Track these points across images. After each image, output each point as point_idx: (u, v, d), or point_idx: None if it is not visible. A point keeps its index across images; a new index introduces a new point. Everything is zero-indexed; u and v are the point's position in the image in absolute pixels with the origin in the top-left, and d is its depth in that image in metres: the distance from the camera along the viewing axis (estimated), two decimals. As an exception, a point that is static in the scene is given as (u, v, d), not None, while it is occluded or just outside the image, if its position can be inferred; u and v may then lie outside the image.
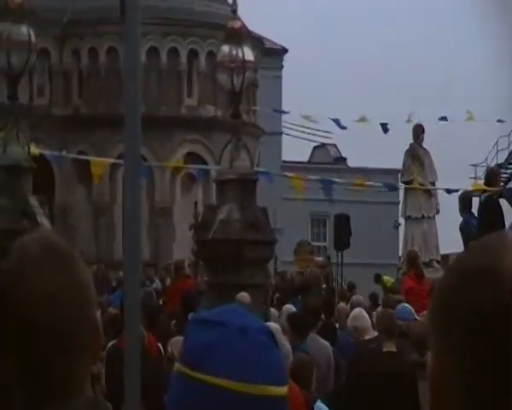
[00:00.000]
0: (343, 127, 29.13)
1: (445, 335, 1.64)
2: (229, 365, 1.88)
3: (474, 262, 1.63)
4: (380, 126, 28.68)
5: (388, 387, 10.57)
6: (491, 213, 19.28)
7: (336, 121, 28.69)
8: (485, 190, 25.70)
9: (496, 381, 1.58)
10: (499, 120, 35.08)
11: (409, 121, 25.04)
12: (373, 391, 10.63)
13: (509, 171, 39.99)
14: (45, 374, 2.28)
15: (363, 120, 29.26)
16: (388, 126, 28.22)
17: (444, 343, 1.64)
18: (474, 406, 1.60)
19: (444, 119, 29.58)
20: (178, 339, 10.49)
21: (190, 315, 12.59)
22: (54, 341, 2.27)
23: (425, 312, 13.68)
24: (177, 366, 1.93)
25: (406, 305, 13.46)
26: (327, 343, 11.99)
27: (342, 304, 15.25)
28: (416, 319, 12.92)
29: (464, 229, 20.68)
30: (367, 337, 11.81)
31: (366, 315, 12.49)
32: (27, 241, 2.43)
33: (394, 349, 11.09)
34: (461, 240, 21.17)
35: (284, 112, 36.36)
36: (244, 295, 11.75)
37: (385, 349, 11.22)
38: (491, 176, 21.68)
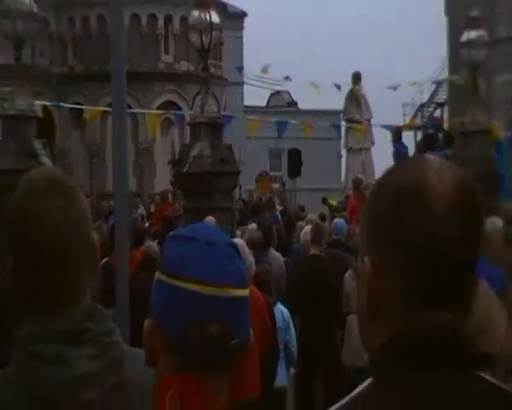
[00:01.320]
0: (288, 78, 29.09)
1: (372, 240, 1.63)
2: (200, 271, 1.87)
3: (403, 179, 1.61)
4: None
5: (324, 274, 10.77)
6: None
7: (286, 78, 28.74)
8: (416, 127, 25.71)
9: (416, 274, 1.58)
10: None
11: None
12: (310, 278, 10.84)
13: (431, 108, 40.15)
14: (50, 285, 2.27)
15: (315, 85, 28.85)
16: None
17: (376, 249, 1.62)
18: (398, 286, 1.59)
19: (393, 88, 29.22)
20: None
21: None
22: (58, 257, 2.27)
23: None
24: (157, 274, 1.94)
25: (339, 220, 13.40)
26: (279, 255, 12.01)
27: (299, 223, 15.29)
28: (352, 233, 12.93)
29: (397, 154, 20.82)
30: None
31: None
32: (35, 174, 2.43)
33: (318, 253, 11.16)
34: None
35: (240, 68, 36.18)
36: (210, 218, 11.82)
37: (311, 252, 11.28)
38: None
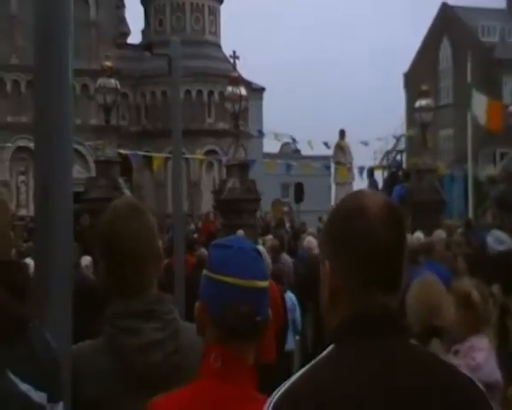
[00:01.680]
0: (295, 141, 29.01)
1: (330, 248, 1.64)
2: (234, 269, 1.88)
3: (349, 204, 1.64)
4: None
5: (313, 271, 10.63)
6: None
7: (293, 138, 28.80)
8: (383, 167, 25.55)
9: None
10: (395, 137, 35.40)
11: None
12: (311, 273, 10.75)
13: (393, 154, 40.05)
14: (130, 278, 2.28)
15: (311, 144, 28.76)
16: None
17: (330, 252, 1.62)
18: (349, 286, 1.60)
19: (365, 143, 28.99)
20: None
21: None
22: (136, 259, 2.27)
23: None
24: (204, 271, 1.94)
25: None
26: (288, 257, 11.98)
27: (303, 235, 15.20)
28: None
29: (370, 187, 20.77)
30: (313, 252, 11.78)
31: (314, 240, 12.42)
32: (118, 202, 2.44)
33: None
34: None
35: (260, 131, 36.34)
36: (240, 231, 12.00)
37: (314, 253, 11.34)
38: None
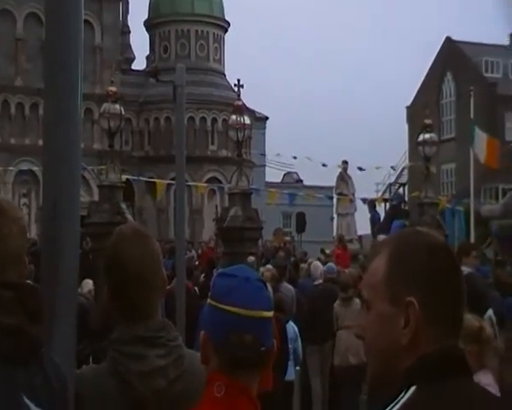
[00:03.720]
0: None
1: (412, 285, 1.56)
2: (239, 299, 1.87)
3: (428, 239, 1.59)
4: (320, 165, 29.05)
5: (321, 302, 10.65)
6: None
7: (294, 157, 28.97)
8: (384, 200, 25.63)
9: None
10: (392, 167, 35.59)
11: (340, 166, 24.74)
12: (313, 303, 10.77)
13: (396, 186, 40.09)
14: (134, 303, 2.29)
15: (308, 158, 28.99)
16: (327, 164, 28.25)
17: (413, 290, 1.54)
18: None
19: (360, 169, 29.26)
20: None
21: (214, 271, 12.56)
22: (140, 284, 2.28)
23: (347, 268, 13.57)
24: (208, 300, 1.94)
25: (331, 264, 13.25)
26: (291, 287, 11.93)
27: (302, 264, 15.15)
28: (342, 272, 12.77)
29: (372, 219, 20.77)
30: (316, 282, 11.74)
31: (321, 265, 12.39)
32: (124, 228, 2.46)
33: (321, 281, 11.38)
34: (369, 227, 21.22)
35: (263, 155, 36.52)
36: (252, 258, 12.13)
37: (316, 283, 11.41)
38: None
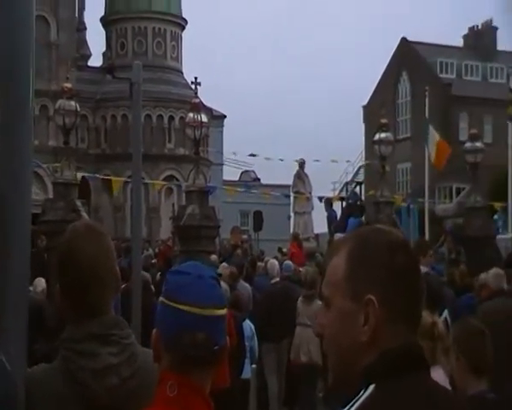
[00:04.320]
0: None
1: (372, 282, 1.56)
2: (192, 297, 1.85)
3: (389, 238, 1.60)
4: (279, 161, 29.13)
5: (278, 299, 10.73)
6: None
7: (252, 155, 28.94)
8: (341, 198, 25.81)
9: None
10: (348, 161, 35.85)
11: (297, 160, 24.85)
12: (270, 301, 10.80)
13: (352, 185, 40.42)
14: (87, 300, 2.26)
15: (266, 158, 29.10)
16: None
17: (372, 287, 1.55)
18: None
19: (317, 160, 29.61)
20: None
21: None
22: (94, 280, 2.25)
23: (302, 266, 13.62)
24: (161, 298, 1.92)
25: (288, 262, 13.27)
26: (247, 285, 11.95)
27: (259, 263, 15.14)
28: (298, 270, 12.81)
29: (329, 217, 20.86)
30: (273, 281, 11.75)
31: (277, 263, 12.41)
32: (77, 224, 2.44)
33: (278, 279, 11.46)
34: (326, 224, 21.36)
35: (221, 152, 36.56)
36: (214, 257, 12.12)
37: (272, 281, 11.49)
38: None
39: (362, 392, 1.50)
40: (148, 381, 2.11)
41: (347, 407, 1.50)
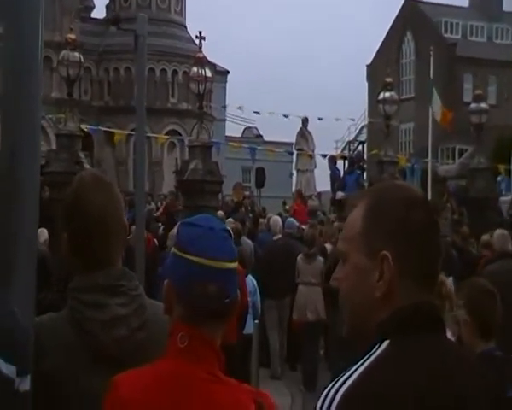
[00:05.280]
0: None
1: (387, 239, 1.55)
2: (203, 249, 1.84)
3: (406, 194, 1.58)
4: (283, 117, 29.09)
5: (280, 256, 10.74)
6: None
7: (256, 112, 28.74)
8: (343, 157, 25.76)
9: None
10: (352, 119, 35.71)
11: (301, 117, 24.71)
12: (272, 258, 10.84)
13: (355, 144, 40.30)
14: (94, 251, 2.22)
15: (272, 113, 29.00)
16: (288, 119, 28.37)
17: (387, 243, 1.54)
18: None
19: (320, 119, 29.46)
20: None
21: (176, 222, 12.54)
22: (102, 230, 2.22)
23: (305, 223, 13.64)
24: (173, 249, 1.90)
25: (292, 219, 13.28)
26: (249, 241, 11.97)
27: (261, 219, 15.16)
28: (301, 228, 12.82)
29: (332, 176, 20.81)
30: (276, 237, 11.76)
31: (280, 220, 12.42)
32: (84, 174, 2.40)
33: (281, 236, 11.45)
34: (328, 183, 21.34)
35: (225, 107, 36.35)
36: (221, 213, 12.16)
37: (275, 238, 11.49)
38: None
39: (376, 347, 1.50)
40: (157, 333, 2.10)
41: (362, 360, 1.49)
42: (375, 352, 1.49)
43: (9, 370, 1.94)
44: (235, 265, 1.89)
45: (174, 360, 1.83)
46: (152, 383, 1.82)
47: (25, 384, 2.00)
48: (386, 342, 1.49)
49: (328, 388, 1.46)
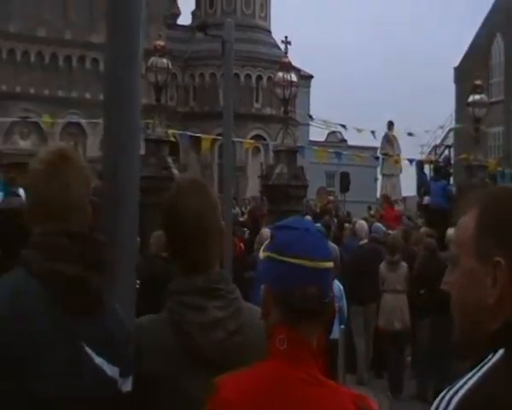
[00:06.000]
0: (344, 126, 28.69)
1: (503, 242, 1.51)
2: (301, 250, 1.85)
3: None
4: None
5: (366, 261, 10.73)
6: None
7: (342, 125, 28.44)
8: (430, 161, 25.32)
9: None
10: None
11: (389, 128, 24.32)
12: (358, 263, 10.82)
13: (441, 149, 39.55)
14: (192, 254, 2.27)
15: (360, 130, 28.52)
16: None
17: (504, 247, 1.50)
18: None
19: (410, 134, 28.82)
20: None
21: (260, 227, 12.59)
22: (198, 233, 2.26)
23: (392, 229, 13.51)
24: (266, 254, 1.91)
25: (378, 224, 13.16)
26: (335, 246, 11.91)
27: (346, 224, 15.07)
28: (388, 233, 12.69)
29: (419, 181, 20.54)
30: (362, 242, 11.67)
31: (366, 224, 12.34)
32: (182, 179, 2.45)
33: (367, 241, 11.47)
34: (414, 188, 21.10)
35: (311, 116, 36.14)
36: (308, 217, 12.30)
37: (361, 243, 11.46)
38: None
39: (490, 356, 1.47)
40: (253, 336, 2.12)
41: (476, 369, 1.47)
42: (490, 360, 1.47)
43: (113, 371, 2.00)
44: (331, 264, 1.91)
45: (274, 362, 1.85)
46: (252, 385, 1.85)
47: (127, 385, 2.05)
48: (501, 351, 1.46)
49: (443, 393, 1.45)
